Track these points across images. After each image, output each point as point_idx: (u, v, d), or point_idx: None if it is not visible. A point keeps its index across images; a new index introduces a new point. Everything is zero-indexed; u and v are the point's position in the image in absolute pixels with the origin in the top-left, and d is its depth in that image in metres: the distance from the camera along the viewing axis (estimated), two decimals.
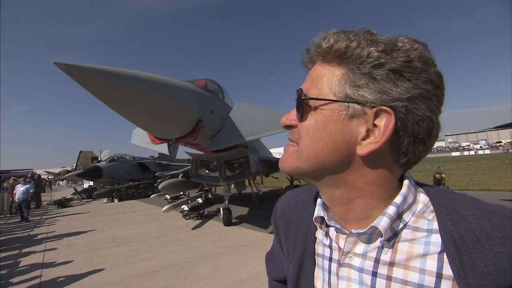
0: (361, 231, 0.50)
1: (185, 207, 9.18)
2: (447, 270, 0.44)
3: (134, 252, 5.69)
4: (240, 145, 7.13)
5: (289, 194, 0.76)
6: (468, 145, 66.42)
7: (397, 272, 0.47)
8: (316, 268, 0.58)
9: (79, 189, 21.74)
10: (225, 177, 7.81)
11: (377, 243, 0.49)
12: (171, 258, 5.16)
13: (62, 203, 15.25)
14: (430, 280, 0.44)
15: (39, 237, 7.80)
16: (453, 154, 60.55)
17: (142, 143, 7.14)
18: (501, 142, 67.55)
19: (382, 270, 0.48)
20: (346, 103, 0.46)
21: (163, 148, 5.83)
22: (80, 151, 31.16)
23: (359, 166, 0.48)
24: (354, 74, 0.46)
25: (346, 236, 0.53)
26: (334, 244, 0.56)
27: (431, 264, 0.45)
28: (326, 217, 0.56)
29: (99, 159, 25.47)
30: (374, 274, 0.49)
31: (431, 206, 0.49)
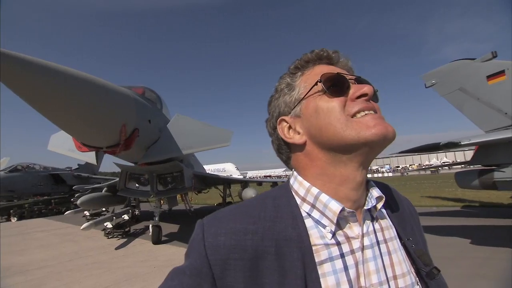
0: (371, 205, 0.56)
1: (109, 224, 8.32)
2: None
3: (36, 282, 4.82)
4: (175, 159, 7.01)
5: (222, 224, 0.54)
6: (377, 169, 79.25)
7: (386, 233, 0.58)
8: (322, 279, 0.49)
9: None
10: (157, 191, 7.43)
11: (371, 215, 0.59)
12: (89, 284, 4.60)
13: None
14: (394, 231, 0.60)
15: None
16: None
17: (62, 150, 6.29)
18: (399, 166, 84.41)
19: (380, 236, 0.57)
20: None
21: (90, 157, 5.34)
22: None
23: None
24: None
25: (361, 218, 0.56)
26: (341, 238, 0.53)
27: (388, 221, 0.62)
28: (344, 207, 0.53)
29: None
30: (377, 243, 0.56)
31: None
